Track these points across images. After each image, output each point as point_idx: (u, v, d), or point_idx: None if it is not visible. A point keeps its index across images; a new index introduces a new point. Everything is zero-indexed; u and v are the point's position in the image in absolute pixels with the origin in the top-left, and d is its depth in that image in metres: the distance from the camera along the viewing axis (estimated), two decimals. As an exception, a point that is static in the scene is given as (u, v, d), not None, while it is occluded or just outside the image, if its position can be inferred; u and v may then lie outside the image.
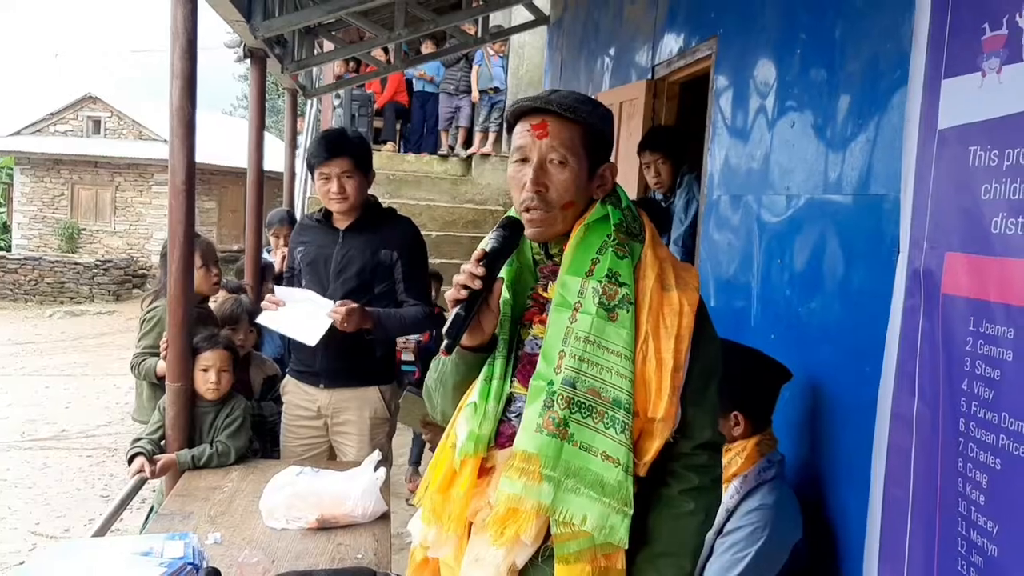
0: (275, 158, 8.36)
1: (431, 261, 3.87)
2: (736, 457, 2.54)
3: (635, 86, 5.07)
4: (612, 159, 1.83)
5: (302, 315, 3.17)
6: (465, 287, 1.64)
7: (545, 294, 1.76)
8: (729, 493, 2.50)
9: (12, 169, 22.60)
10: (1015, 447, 1.69)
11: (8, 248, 21.61)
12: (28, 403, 8.95)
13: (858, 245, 2.53)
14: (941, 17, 2.09)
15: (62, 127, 23.09)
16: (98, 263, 19.55)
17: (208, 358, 3.18)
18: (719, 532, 2.49)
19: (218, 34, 6.38)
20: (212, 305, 3.95)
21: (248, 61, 5.21)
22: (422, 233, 3.53)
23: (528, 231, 1.73)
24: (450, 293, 1.66)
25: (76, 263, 19.42)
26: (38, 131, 22.90)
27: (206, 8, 3.96)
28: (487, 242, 1.72)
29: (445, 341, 1.64)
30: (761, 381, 2.61)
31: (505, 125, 1.83)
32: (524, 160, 1.72)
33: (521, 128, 1.74)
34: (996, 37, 1.87)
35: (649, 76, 4.89)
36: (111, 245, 21.54)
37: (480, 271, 1.64)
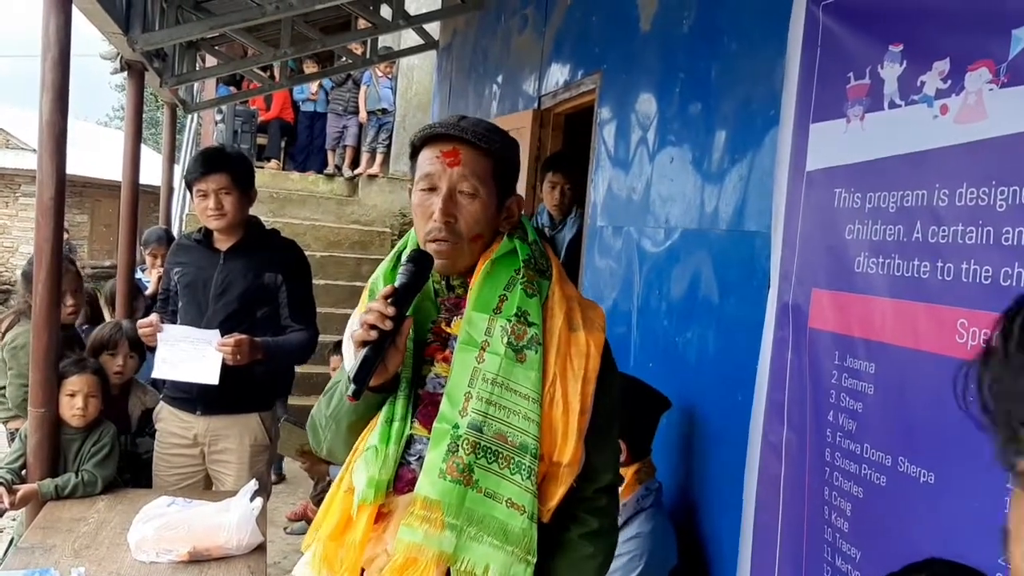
0: (152, 172, 8.08)
1: (315, 282, 3.80)
2: (615, 484, 2.59)
3: (522, 115, 5.14)
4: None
5: (193, 355, 3.04)
6: (374, 327, 1.53)
7: (448, 329, 1.68)
8: (608, 520, 2.54)
9: None
10: (876, 476, 1.78)
11: None
12: None
13: (732, 278, 2.63)
14: (810, 64, 2.20)
15: (-80, 134, 21.68)
16: (-44, 277, 18.44)
17: (75, 383, 3.03)
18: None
19: (94, 42, 6.15)
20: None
21: (126, 73, 5.03)
22: (306, 253, 3.47)
23: (434, 263, 1.65)
24: (358, 334, 1.55)
25: (-69, 277, 18.26)
26: None
27: (82, 17, 3.81)
28: (398, 278, 1.61)
29: (352, 387, 1.52)
30: (642, 410, 2.67)
31: (410, 150, 1.72)
32: (432, 189, 1.64)
33: (430, 154, 1.65)
34: (860, 86, 1.99)
35: (536, 106, 4.97)
36: (-29, 259, 20.31)
37: (391, 311, 1.53)
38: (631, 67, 3.58)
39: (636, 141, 3.45)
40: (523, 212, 1.77)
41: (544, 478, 1.61)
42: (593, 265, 3.86)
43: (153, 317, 3.16)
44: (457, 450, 1.55)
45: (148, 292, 5.02)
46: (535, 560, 1.56)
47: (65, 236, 4.07)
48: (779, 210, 2.26)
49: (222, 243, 3.24)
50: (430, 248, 1.64)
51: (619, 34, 3.75)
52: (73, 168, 3.10)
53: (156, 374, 3.14)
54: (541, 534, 1.59)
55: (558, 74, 4.65)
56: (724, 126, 2.75)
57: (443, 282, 1.71)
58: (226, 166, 3.16)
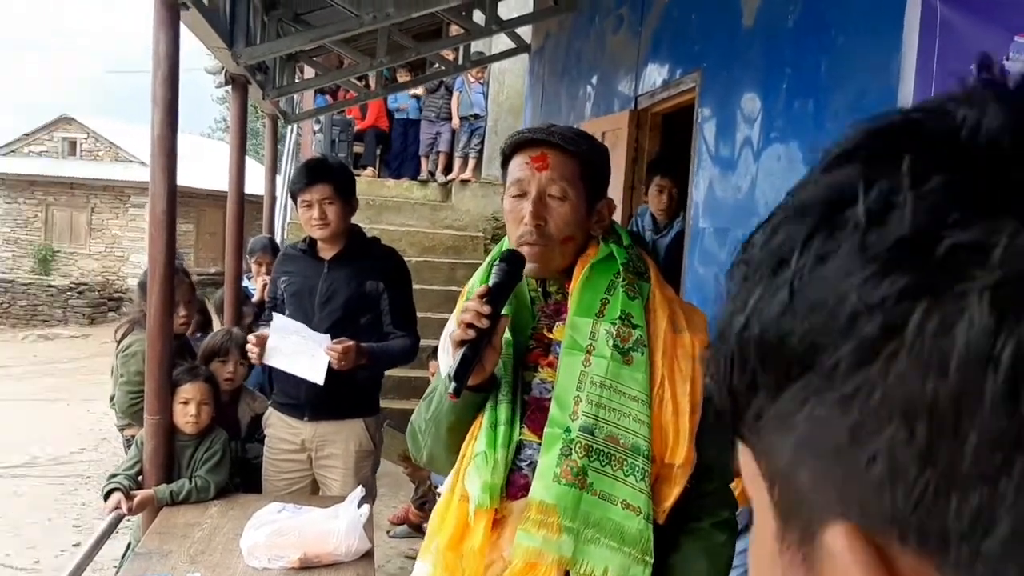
0: (253, 181, 8.28)
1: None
2: (726, 494, 2.52)
3: (618, 116, 5.09)
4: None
5: (303, 350, 3.10)
6: (471, 326, 1.55)
7: (550, 335, 1.69)
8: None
9: (-15, 191, 22.34)
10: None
11: (-20, 270, 21.32)
12: (-2, 430, 8.78)
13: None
14: (927, 56, 2.10)
15: (36, 148, 22.82)
16: (72, 286, 19.28)
17: (188, 391, 3.12)
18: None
19: (196, 57, 6.35)
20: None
21: (229, 87, 5.18)
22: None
23: (527, 266, 1.66)
24: (456, 333, 1.57)
25: (50, 286, 19.13)
26: (12, 152, 22.64)
27: (187, 33, 3.93)
28: (491, 277, 1.64)
29: (453, 384, 1.53)
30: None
31: (501, 157, 1.75)
32: (522, 194, 1.66)
33: (520, 160, 1.68)
34: (985, 78, 1.87)
35: (632, 106, 4.90)
36: (86, 268, 21.26)
37: (486, 309, 1.55)
38: (733, 64, 3.49)
39: (740, 140, 3.36)
40: (613, 216, 1.77)
41: (657, 479, 1.62)
42: (694, 267, 3.78)
43: (261, 332, 3.21)
44: (570, 453, 1.57)
45: (254, 299, 5.15)
46: (652, 561, 1.57)
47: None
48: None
49: (326, 252, 3.30)
50: (522, 251, 1.66)
51: (720, 31, 3.67)
52: (180, 179, 3.19)
53: (267, 360, 3.18)
54: (657, 535, 1.60)
55: (655, 74, 4.58)
56: (835, 122, 2.65)
57: (539, 289, 1.73)
58: (329, 176, 3.21)
